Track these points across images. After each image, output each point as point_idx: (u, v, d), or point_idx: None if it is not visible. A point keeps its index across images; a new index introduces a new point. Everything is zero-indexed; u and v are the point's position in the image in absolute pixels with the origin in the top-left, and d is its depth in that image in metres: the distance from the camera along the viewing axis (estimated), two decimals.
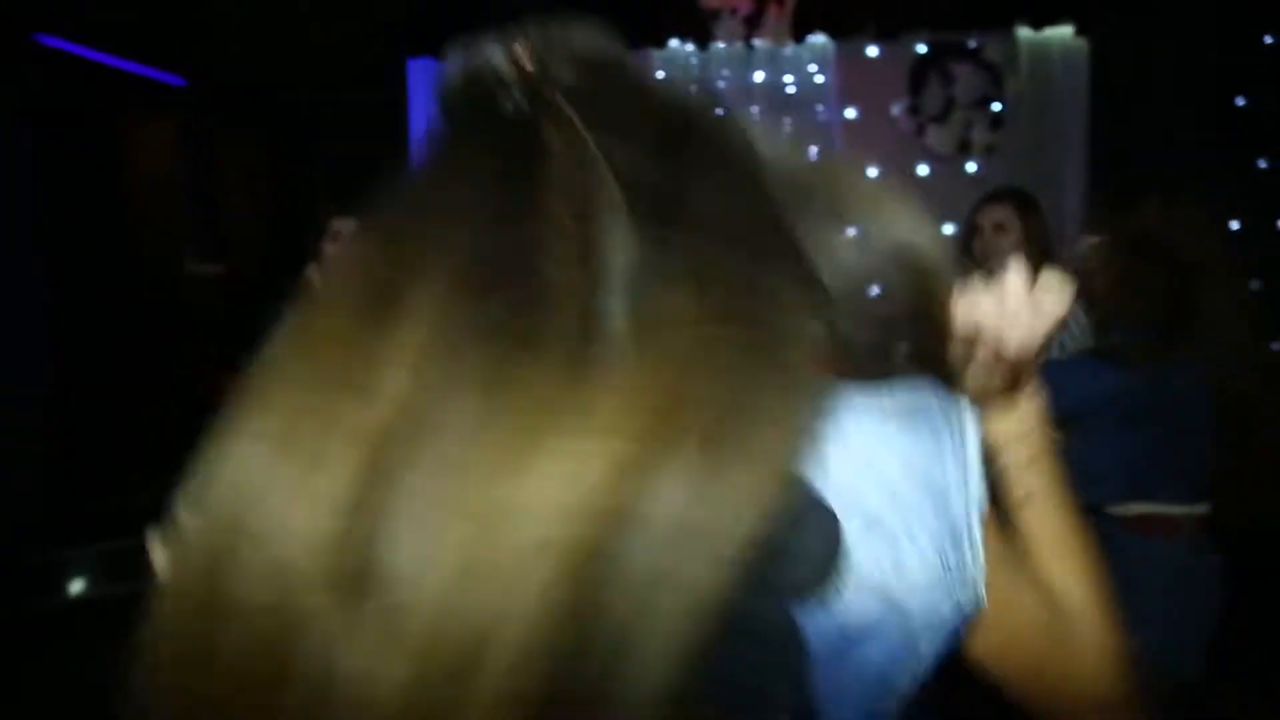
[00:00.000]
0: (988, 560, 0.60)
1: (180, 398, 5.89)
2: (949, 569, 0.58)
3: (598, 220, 0.53)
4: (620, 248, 0.52)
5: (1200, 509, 1.74)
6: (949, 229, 5.05)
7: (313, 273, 2.60)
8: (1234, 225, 4.84)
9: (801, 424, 0.52)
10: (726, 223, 0.57)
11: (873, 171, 5.13)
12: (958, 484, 0.59)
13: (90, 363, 5.16)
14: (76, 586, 4.43)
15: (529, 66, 0.64)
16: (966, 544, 0.59)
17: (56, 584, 4.40)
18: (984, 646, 0.64)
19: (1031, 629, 0.66)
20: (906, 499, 0.57)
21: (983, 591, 0.59)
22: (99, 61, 5.59)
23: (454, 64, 0.73)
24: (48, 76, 4.97)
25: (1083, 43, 5.12)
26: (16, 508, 4.50)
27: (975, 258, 2.48)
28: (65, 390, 4.86)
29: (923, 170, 5.08)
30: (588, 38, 0.68)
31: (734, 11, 4.97)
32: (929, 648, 0.58)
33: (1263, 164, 4.74)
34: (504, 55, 0.66)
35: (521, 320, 0.49)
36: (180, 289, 6.10)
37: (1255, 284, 4.81)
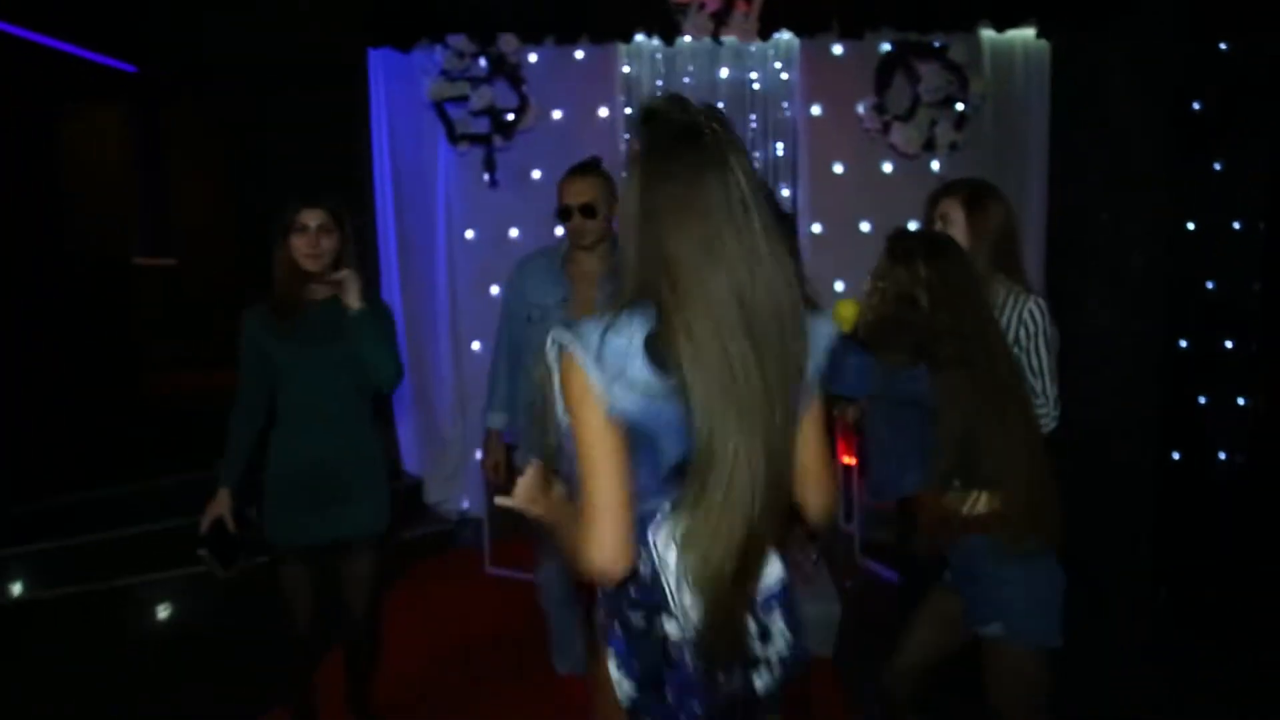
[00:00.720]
0: (813, 429, 1.46)
1: (126, 395, 5.71)
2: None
3: (752, 176, 1.32)
4: (757, 187, 1.33)
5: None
6: (913, 227, 5.08)
7: (279, 260, 2.55)
8: (1190, 226, 4.93)
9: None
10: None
11: (838, 168, 5.14)
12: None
13: (31, 359, 4.96)
14: (15, 589, 4.25)
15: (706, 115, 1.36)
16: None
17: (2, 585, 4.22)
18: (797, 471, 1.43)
19: (815, 464, 1.46)
20: None
21: None
22: (43, 44, 5.39)
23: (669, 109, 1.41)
24: None
25: (1044, 45, 5.18)
26: None
27: None
28: (4, 387, 4.67)
29: (887, 168, 5.10)
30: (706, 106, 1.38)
31: (702, 7, 4.93)
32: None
33: (1218, 166, 4.83)
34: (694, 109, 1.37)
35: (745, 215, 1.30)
36: (127, 282, 5.92)
37: (1209, 284, 4.92)
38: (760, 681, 1.43)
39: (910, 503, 2.16)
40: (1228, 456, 4.79)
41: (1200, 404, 4.85)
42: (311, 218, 2.51)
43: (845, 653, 3.40)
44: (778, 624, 1.44)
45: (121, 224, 6.02)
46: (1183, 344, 4.94)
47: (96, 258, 5.67)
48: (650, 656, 1.39)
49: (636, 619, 1.39)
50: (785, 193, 5.30)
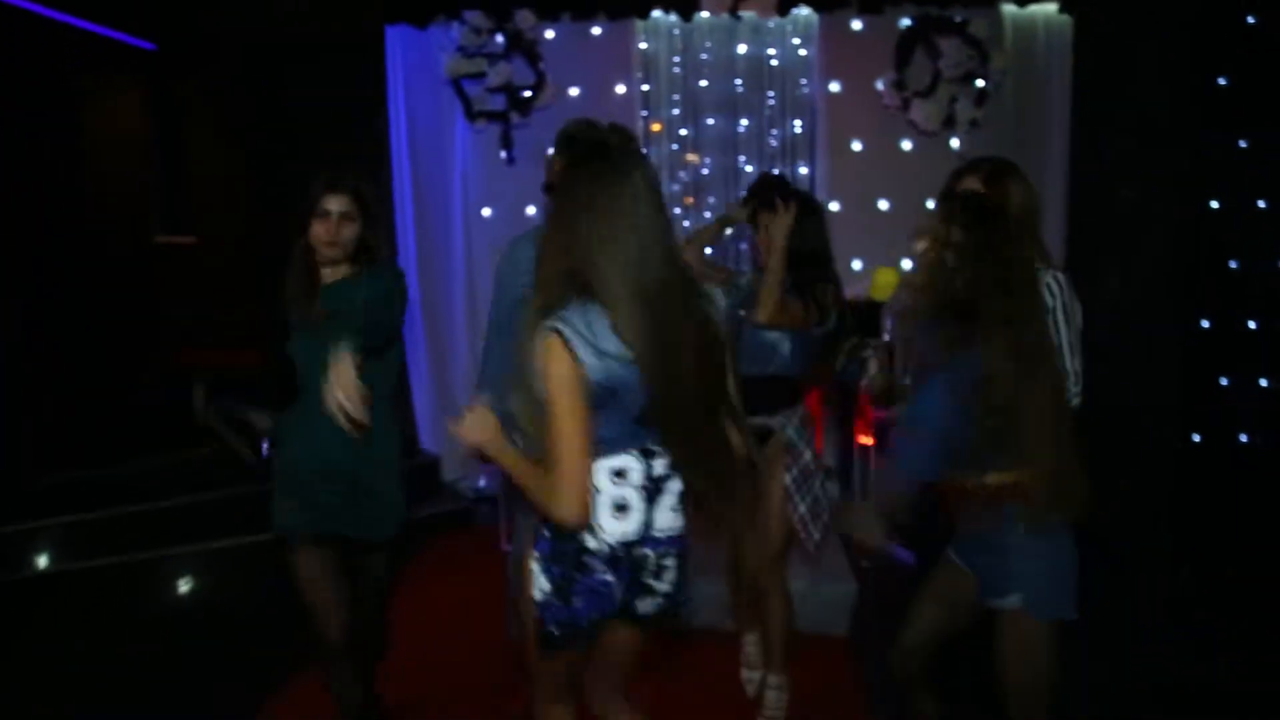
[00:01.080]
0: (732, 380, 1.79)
1: (148, 372, 5.76)
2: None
3: (656, 189, 1.67)
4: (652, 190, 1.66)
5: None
6: (932, 204, 5.04)
7: (300, 248, 2.40)
8: (1214, 205, 4.86)
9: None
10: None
11: (856, 145, 5.10)
12: None
13: (56, 336, 5.02)
14: (40, 561, 4.32)
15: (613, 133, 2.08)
16: None
17: (22, 559, 4.29)
18: None
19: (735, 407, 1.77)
20: None
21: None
22: (65, 22, 5.41)
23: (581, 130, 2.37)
24: (7, 37, 4.79)
25: (1066, 19, 5.11)
26: None
27: None
28: (29, 363, 4.72)
29: (906, 145, 5.06)
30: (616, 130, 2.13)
31: None
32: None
33: (1244, 144, 4.74)
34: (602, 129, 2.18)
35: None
36: (148, 260, 5.96)
37: (1233, 264, 4.84)
38: (643, 606, 1.79)
39: (941, 484, 2.11)
40: (1249, 438, 4.74)
41: (1222, 385, 4.79)
42: (335, 203, 2.35)
43: (861, 633, 3.41)
44: (670, 565, 1.78)
45: (142, 202, 6.04)
46: (1205, 324, 4.87)
47: (118, 236, 5.72)
48: (567, 563, 1.71)
49: (560, 528, 1.70)
50: (803, 170, 5.26)
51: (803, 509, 2.75)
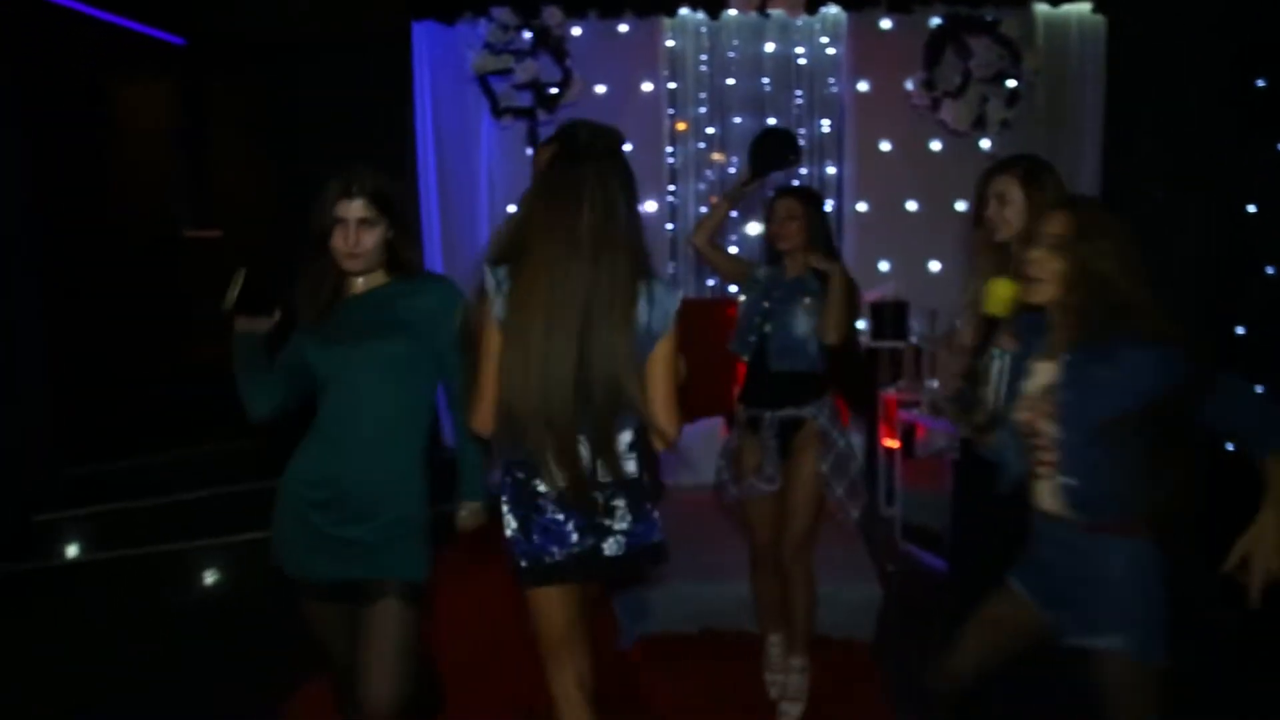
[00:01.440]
0: (658, 368, 1.89)
1: (175, 365, 5.81)
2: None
3: (612, 191, 1.84)
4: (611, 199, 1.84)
5: None
6: (961, 206, 5.00)
7: (313, 258, 2.11)
8: (1250, 209, 4.78)
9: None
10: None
11: (885, 146, 5.05)
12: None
13: (84, 329, 5.06)
14: (69, 551, 4.36)
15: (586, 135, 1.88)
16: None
17: (53, 547, 4.34)
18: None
19: (659, 395, 1.89)
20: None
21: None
22: (96, 17, 5.46)
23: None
24: (39, 31, 4.83)
25: (1100, 19, 5.04)
26: (13, 473, 4.43)
27: (986, 229, 2.41)
28: (60, 357, 4.77)
29: (936, 146, 5.01)
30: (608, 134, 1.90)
31: None
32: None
33: None
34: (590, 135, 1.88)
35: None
36: (175, 253, 6.01)
37: (1269, 269, 4.77)
38: (608, 547, 1.96)
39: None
40: None
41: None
42: (350, 210, 2.04)
43: (887, 638, 3.37)
44: (619, 504, 1.94)
45: (170, 196, 6.09)
46: (1240, 330, 4.80)
47: (147, 231, 5.76)
48: (525, 504, 1.95)
49: (519, 475, 1.95)
50: (831, 170, 5.22)
51: (840, 491, 2.78)
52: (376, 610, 2.04)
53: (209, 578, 4.19)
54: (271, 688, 3.08)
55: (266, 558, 2.18)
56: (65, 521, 4.43)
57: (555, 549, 1.95)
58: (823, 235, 2.80)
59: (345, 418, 2.08)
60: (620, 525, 1.96)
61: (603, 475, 1.90)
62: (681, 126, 5.28)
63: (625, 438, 1.92)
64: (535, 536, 1.95)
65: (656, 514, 2.02)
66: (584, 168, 1.82)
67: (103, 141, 5.45)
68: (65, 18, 5.19)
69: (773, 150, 2.81)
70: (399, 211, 2.14)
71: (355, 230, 2.04)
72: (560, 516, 1.93)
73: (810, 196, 2.82)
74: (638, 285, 1.83)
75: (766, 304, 2.80)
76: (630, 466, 1.94)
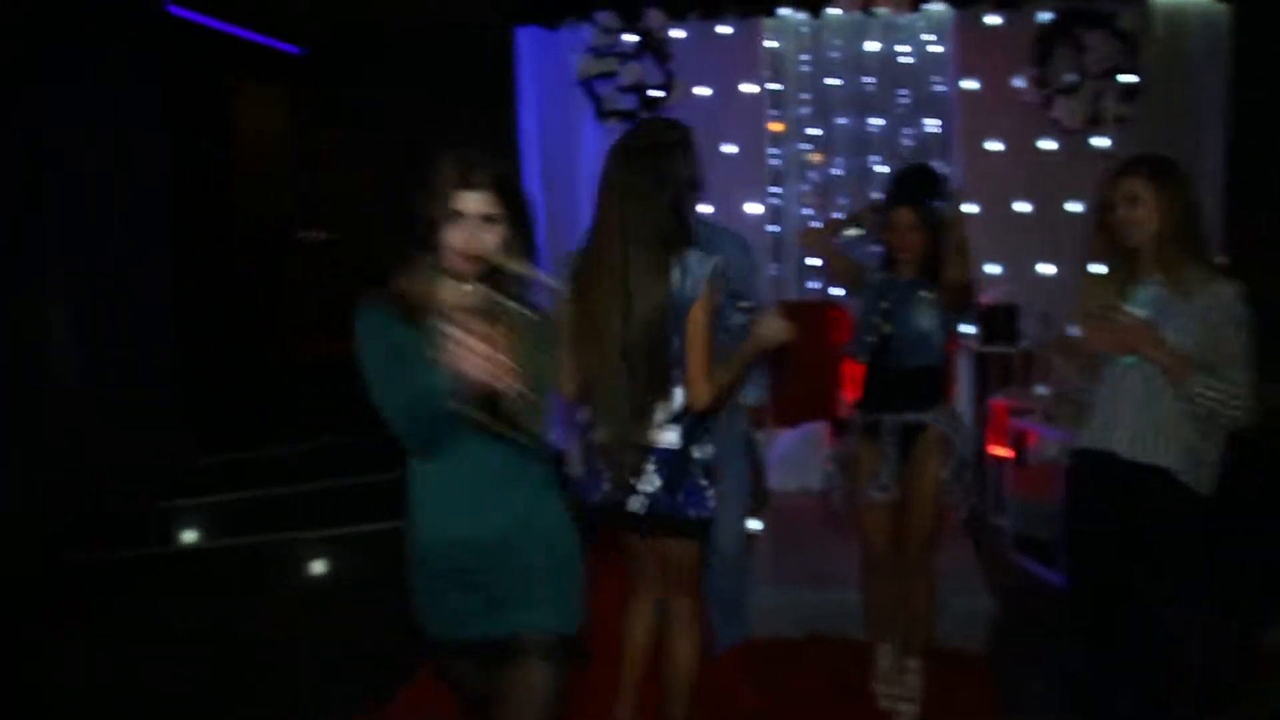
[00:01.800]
0: (692, 339, 2.14)
1: (290, 363, 6.07)
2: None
3: (646, 177, 2.16)
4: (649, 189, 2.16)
5: None
6: (1074, 207, 4.85)
7: (421, 267, 1.76)
8: None
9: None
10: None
11: (993, 145, 4.94)
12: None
13: (209, 326, 5.33)
14: (189, 537, 4.60)
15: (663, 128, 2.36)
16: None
17: (176, 533, 4.60)
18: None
19: (690, 363, 2.15)
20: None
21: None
22: (217, 29, 5.73)
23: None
24: (175, 45, 5.10)
25: (1223, 9, 4.82)
26: (146, 462, 4.70)
27: (1111, 234, 2.35)
28: (196, 352, 5.03)
29: (1047, 145, 4.87)
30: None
31: None
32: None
33: None
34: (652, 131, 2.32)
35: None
36: (291, 254, 6.28)
37: None
38: (631, 503, 2.20)
39: None
40: None
41: None
42: (470, 203, 1.71)
43: (999, 652, 3.30)
44: (649, 469, 2.17)
45: (286, 201, 6.37)
46: None
47: (266, 235, 6.04)
48: (588, 451, 2.27)
49: (585, 425, 2.26)
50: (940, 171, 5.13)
51: (956, 496, 2.81)
52: (524, 668, 1.78)
53: (320, 567, 4.35)
54: (380, 683, 3.13)
55: (379, 550, 2.33)
56: (189, 509, 4.69)
57: (594, 493, 2.25)
58: (934, 252, 2.74)
59: (457, 457, 1.77)
60: (646, 487, 2.19)
61: (637, 438, 2.14)
62: (778, 127, 5.25)
63: (669, 409, 2.15)
64: (588, 479, 2.27)
65: (711, 493, 2.23)
66: (621, 160, 2.16)
67: (225, 146, 5.73)
68: (190, 31, 5.47)
69: (914, 187, 2.80)
70: (523, 208, 1.80)
71: (476, 226, 1.72)
72: (601, 467, 2.21)
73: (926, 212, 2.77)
74: (667, 259, 2.10)
75: (885, 304, 2.79)
76: (668, 436, 2.17)
